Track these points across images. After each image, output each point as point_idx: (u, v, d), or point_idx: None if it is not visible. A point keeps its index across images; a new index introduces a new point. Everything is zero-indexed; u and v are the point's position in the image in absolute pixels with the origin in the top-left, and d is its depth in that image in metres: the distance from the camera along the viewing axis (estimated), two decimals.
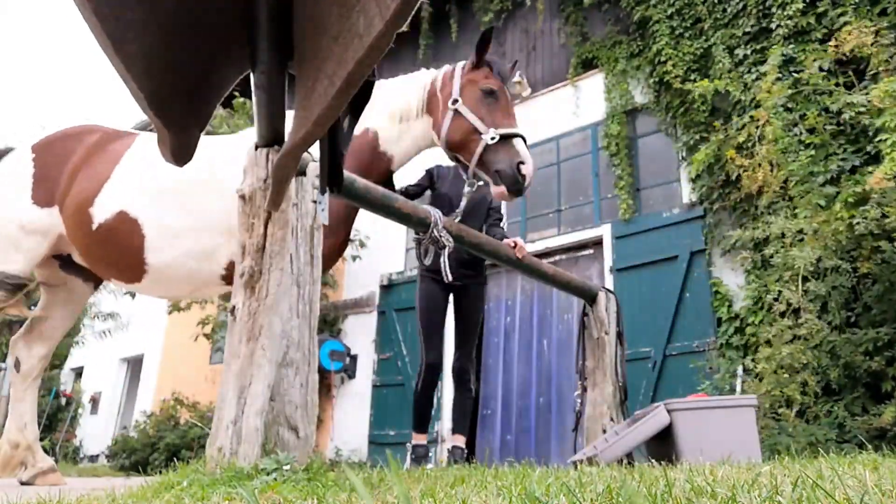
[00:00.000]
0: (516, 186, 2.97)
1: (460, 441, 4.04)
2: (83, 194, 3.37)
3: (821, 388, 4.94)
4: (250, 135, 3.27)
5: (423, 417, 4.04)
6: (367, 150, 3.17)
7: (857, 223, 4.68)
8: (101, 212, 3.31)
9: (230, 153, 3.09)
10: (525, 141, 3.09)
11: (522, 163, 2.98)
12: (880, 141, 4.86)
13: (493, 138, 2.99)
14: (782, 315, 5.07)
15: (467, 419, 4.12)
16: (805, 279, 4.98)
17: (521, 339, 7.91)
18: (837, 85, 5.64)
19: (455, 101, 3.12)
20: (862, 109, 5.21)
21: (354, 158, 3.10)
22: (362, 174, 3.05)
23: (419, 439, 4.02)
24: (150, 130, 3.76)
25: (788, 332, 4.88)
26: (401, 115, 3.23)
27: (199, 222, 3.16)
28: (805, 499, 0.99)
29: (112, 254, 3.35)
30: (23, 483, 3.52)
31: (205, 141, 3.61)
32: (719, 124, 6.40)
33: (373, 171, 3.14)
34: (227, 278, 3.21)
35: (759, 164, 5.73)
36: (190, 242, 3.18)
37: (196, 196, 3.18)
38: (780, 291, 5.14)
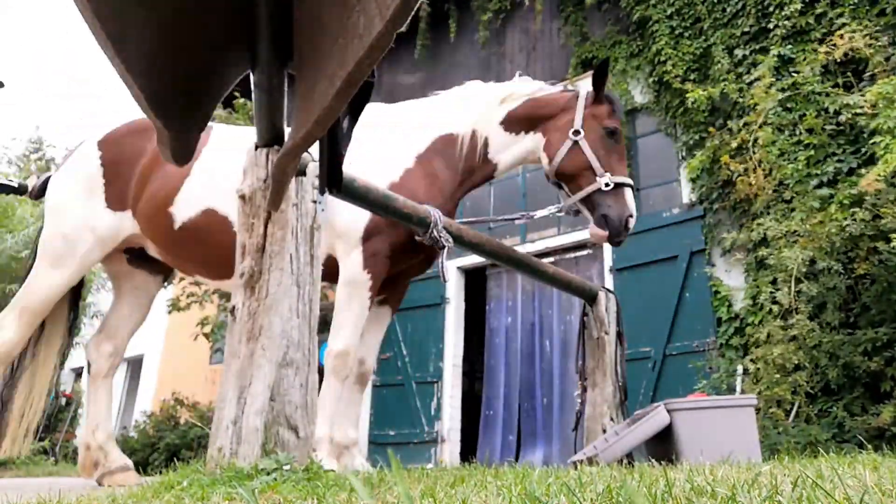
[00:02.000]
0: (619, 238, 3.09)
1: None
2: (161, 194, 3.24)
3: (820, 389, 4.94)
4: None
5: None
6: (476, 154, 3.22)
7: (847, 225, 4.69)
8: (184, 210, 3.20)
9: None
10: (633, 190, 3.19)
11: (631, 216, 3.09)
12: (874, 143, 4.87)
13: (607, 184, 3.07)
14: (775, 316, 5.09)
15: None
16: (798, 280, 4.99)
17: (523, 340, 7.90)
18: (836, 86, 5.65)
19: (577, 133, 3.15)
20: (859, 111, 5.22)
21: (466, 161, 3.18)
22: (467, 174, 3.17)
23: None
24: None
25: (781, 333, 4.89)
26: (513, 126, 3.26)
27: None
28: (805, 498, 0.99)
29: (198, 252, 3.25)
30: (99, 483, 3.49)
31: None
32: (714, 129, 6.41)
33: (476, 175, 3.25)
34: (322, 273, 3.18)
35: (753, 169, 5.76)
36: None
37: None
38: (772, 293, 5.17)
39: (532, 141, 3.26)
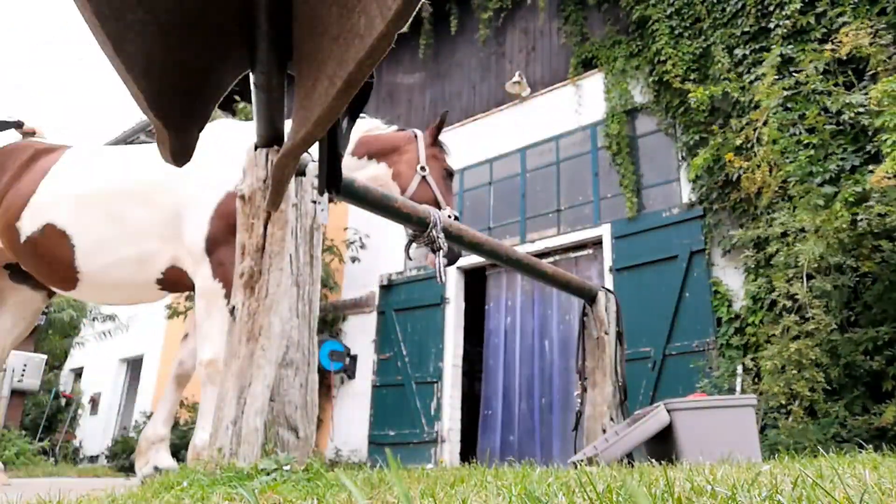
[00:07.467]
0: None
1: None
2: (10, 210, 3.48)
3: (821, 388, 4.94)
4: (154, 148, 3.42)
5: None
6: None
7: (861, 219, 4.68)
8: (28, 225, 3.41)
9: (146, 161, 3.29)
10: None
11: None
12: (881, 142, 4.86)
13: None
14: (788, 312, 5.06)
15: None
16: (809, 276, 4.98)
17: (522, 340, 7.90)
18: (837, 85, 5.64)
19: (423, 169, 3.56)
20: (861, 109, 5.20)
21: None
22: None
23: None
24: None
25: (795, 328, 4.87)
26: (359, 151, 3.56)
27: (127, 230, 3.31)
28: (805, 498, 0.99)
29: (43, 265, 3.45)
30: None
31: (121, 150, 3.73)
32: (717, 128, 6.40)
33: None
34: (163, 283, 3.36)
35: (758, 166, 5.74)
36: (120, 250, 3.29)
37: (119, 204, 3.30)
38: (786, 289, 5.13)
39: (376, 168, 3.61)
